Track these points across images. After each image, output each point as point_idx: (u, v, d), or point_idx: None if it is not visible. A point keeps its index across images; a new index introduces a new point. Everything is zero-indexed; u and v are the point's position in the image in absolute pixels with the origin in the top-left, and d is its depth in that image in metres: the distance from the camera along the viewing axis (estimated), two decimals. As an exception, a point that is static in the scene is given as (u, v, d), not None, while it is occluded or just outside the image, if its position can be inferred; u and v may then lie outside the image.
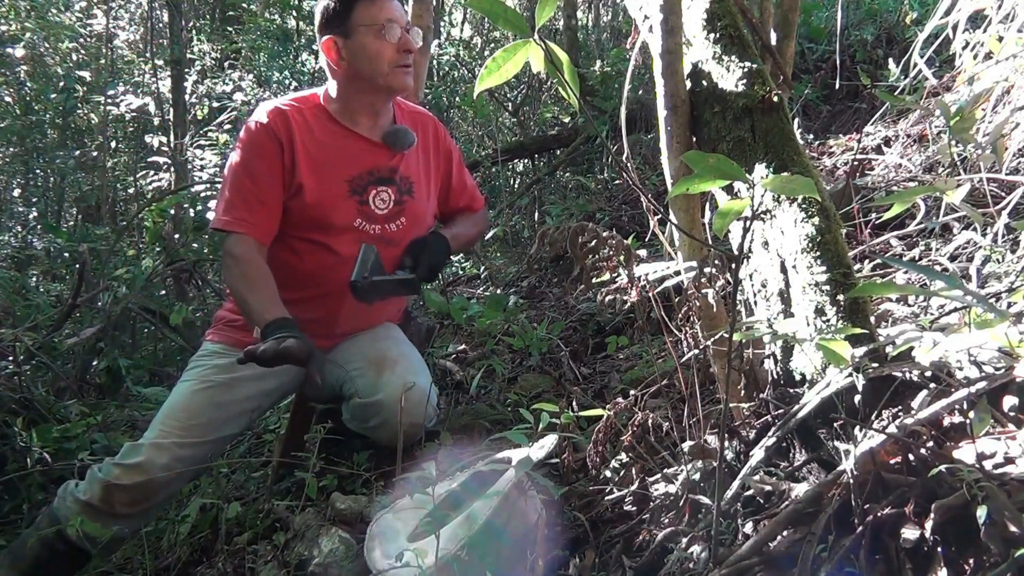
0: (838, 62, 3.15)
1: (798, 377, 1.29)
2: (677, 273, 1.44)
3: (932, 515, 0.91)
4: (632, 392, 1.59)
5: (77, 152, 7.68)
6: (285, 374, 1.95)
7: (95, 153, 7.69)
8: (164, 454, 1.73)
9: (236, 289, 1.81)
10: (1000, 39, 2.10)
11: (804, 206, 1.28)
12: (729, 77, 1.41)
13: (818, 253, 1.25)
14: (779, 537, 1.03)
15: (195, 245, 4.28)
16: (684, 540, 1.16)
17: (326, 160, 1.88)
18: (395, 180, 1.95)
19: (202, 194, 4.43)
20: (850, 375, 1.11)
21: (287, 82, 6.59)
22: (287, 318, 1.69)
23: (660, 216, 1.65)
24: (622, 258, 1.51)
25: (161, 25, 8.93)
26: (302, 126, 1.87)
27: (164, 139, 7.05)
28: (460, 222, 2.16)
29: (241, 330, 1.93)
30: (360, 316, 2.00)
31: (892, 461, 1.04)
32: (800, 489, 1.10)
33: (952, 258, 1.98)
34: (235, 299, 1.87)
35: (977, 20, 2.40)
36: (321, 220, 1.88)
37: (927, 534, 0.91)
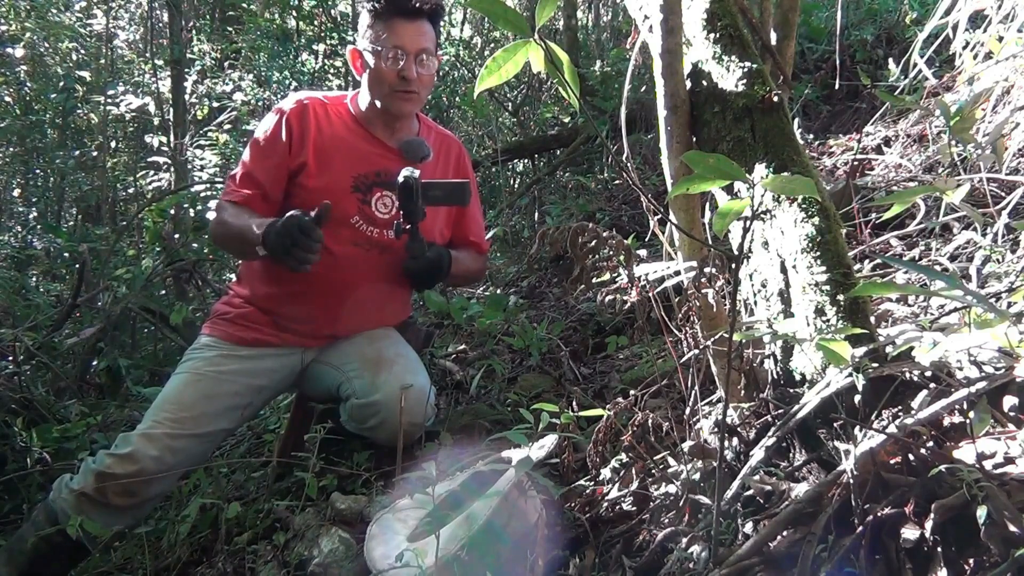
0: (838, 62, 3.14)
1: (798, 377, 1.29)
2: (677, 273, 1.44)
3: (932, 515, 0.91)
4: (632, 392, 1.59)
5: (77, 152, 7.69)
6: (276, 373, 1.97)
7: (95, 153, 7.70)
8: (154, 445, 1.75)
9: (221, 234, 1.87)
10: (1000, 39, 2.10)
11: (804, 206, 1.28)
12: (729, 77, 1.41)
13: (818, 253, 1.25)
14: (779, 537, 1.03)
15: (195, 245, 4.28)
16: (684, 540, 1.16)
17: (336, 152, 1.92)
18: None
19: (202, 194, 4.44)
20: (850, 375, 1.11)
21: (287, 82, 6.59)
22: (275, 218, 1.74)
23: (660, 216, 1.65)
24: (622, 258, 1.51)
25: (161, 25, 8.94)
26: (321, 118, 1.94)
27: (164, 139, 7.06)
28: (465, 253, 2.14)
29: (233, 323, 1.95)
30: (359, 317, 2.00)
31: (892, 461, 1.04)
32: (800, 489, 1.10)
33: (952, 258, 1.98)
34: (227, 246, 1.93)
35: (977, 20, 2.40)
36: None
37: (927, 534, 0.91)
